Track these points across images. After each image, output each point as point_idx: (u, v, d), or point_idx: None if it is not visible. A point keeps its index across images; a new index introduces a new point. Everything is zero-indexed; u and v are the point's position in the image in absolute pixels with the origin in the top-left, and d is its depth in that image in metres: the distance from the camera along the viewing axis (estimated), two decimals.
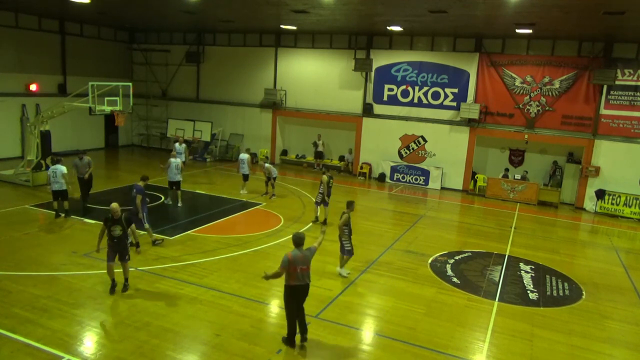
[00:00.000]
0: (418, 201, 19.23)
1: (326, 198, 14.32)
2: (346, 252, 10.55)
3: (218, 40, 25.32)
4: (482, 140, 20.93)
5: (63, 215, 13.36)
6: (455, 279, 10.85)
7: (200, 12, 18.28)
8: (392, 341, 7.96)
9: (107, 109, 16.10)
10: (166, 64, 26.56)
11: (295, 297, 7.45)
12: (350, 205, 10.76)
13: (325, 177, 14.33)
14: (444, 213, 17.77)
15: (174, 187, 15.24)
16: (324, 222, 14.27)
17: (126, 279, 9.22)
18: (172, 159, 15.12)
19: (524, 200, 19.41)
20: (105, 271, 9.03)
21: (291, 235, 7.58)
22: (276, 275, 7.40)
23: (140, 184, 11.62)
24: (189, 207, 15.40)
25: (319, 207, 14.59)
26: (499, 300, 9.91)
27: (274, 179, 17.34)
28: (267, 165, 17.27)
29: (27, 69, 22.10)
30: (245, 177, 17.55)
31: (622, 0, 11.54)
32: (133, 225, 9.33)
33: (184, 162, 16.32)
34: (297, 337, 7.57)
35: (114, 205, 8.94)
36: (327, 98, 23.10)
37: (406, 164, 21.94)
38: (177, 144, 17.66)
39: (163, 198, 15.61)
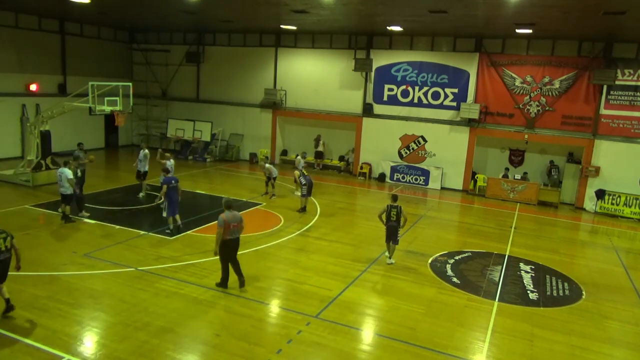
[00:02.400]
0: (418, 201, 19.22)
1: (300, 191, 15.80)
2: (397, 242, 11.50)
3: (218, 40, 25.32)
4: (482, 140, 20.93)
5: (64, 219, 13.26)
6: (455, 279, 10.85)
7: (200, 12, 18.28)
8: (392, 341, 7.96)
9: (107, 109, 16.10)
10: (166, 64, 26.56)
11: (230, 249, 9.33)
12: (395, 198, 11.49)
13: (297, 172, 16.08)
14: (444, 213, 17.77)
15: None
16: (303, 210, 15.64)
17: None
18: (167, 161, 15.00)
19: (524, 200, 19.40)
20: (104, 271, 9.02)
21: (298, 239, 7.62)
22: (219, 237, 9.07)
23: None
24: (189, 207, 15.36)
25: (304, 199, 15.76)
26: (499, 300, 9.91)
27: (274, 179, 17.35)
28: (267, 165, 17.28)
29: (27, 69, 22.10)
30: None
31: (622, 0, 11.54)
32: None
33: (145, 172, 16.21)
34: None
35: None
36: (327, 98, 23.10)
37: (406, 164, 21.94)
38: (140, 151, 16.29)
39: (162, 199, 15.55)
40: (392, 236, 11.32)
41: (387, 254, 11.67)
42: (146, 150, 16.42)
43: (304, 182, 15.53)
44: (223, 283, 9.52)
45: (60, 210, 13.23)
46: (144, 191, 16.35)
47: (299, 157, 18.53)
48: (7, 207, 14.10)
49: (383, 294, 9.87)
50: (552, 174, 20.20)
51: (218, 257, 9.42)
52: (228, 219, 9.13)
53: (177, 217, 12.75)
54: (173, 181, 12.59)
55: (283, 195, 17.76)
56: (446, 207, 18.70)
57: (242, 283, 9.52)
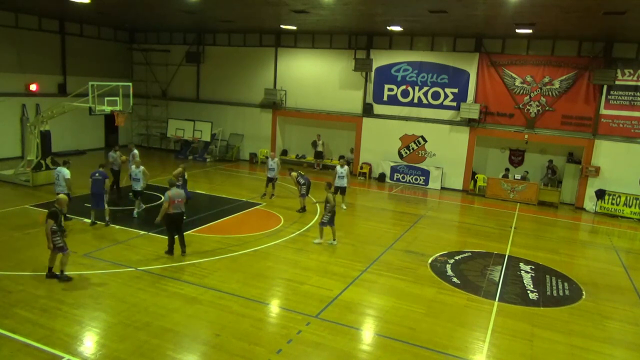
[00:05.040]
0: (418, 201, 19.22)
1: (299, 191, 15.73)
2: (322, 224, 12.60)
3: (218, 40, 25.32)
4: (482, 140, 20.92)
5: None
6: (455, 279, 10.85)
7: (200, 12, 18.28)
8: (392, 341, 7.96)
9: (107, 109, 16.10)
10: (166, 64, 26.56)
11: (173, 222, 10.85)
12: (331, 185, 13.23)
13: (294, 174, 15.86)
14: (444, 213, 17.76)
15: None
16: (303, 210, 15.73)
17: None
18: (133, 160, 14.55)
19: (524, 200, 19.40)
20: (104, 271, 9.03)
21: (298, 239, 7.61)
22: (164, 210, 10.65)
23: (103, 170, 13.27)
24: (189, 207, 15.35)
25: (303, 199, 15.79)
26: (499, 300, 9.91)
27: (275, 179, 17.32)
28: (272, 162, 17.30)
29: (27, 69, 22.10)
30: (342, 190, 16.47)
31: (622, 0, 11.54)
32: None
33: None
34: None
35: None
36: (327, 98, 23.09)
37: (406, 164, 21.94)
38: (130, 152, 16.69)
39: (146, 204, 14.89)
40: (334, 219, 12.63)
41: (319, 240, 12.63)
42: (135, 151, 16.55)
43: (302, 182, 15.57)
44: (169, 251, 11.02)
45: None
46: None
47: (337, 167, 16.44)
48: (7, 207, 14.10)
49: (383, 294, 9.86)
50: (556, 173, 20.17)
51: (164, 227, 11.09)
52: (173, 195, 10.72)
53: (93, 212, 12.97)
54: (97, 174, 12.81)
55: (284, 195, 17.75)
56: (446, 207, 18.69)
57: (183, 252, 11.07)
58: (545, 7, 12.77)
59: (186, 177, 14.55)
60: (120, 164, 16.39)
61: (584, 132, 19.01)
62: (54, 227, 9.18)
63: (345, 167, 16.62)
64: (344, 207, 16.53)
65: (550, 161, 20.31)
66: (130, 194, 14.43)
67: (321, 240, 12.61)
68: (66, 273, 9.41)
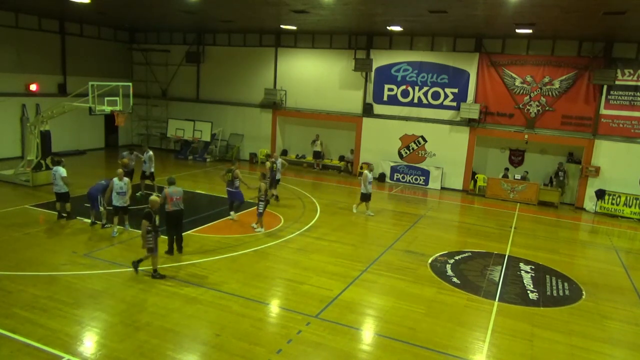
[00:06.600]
0: (418, 201, 19.22)
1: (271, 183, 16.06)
2: (259, 215, 13.25)
3: (218, 40, 25.33)
4: (482, 140, 20.92)
5: (65, 216, 13.31)
6: (455, 279, 10.85)
7: (200, 12, 18.28)
8: (392, 341, 7.96)
9: (107, 109, 16.09)
10: (166, 64, 26.56)
11: (173, 219, 10.99)
12: (264, 176, 13.91)
13: (268, 163, 16.66)
14: (444, 213, 17.76)
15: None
16: (276, 198, 16.57)
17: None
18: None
19: (524, 200, 19.40)
20: (104, 271, 9.03)
21: (298, 239, 7.60)
22: (160, 203, 10.64)
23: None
24: (190, 207, 15.34)
25: (273, 189, 16.47)
26: (499, 300, 9.91)
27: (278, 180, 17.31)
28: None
29: (27, 69, 22.09)
30: (365, 197, 15.78)
31: (622, 0, 11.55)
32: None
33: (152, 173, 16.31)
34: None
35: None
36: (327, 98, 23.09)
37: (406, 164, 21.94)
38: (145, 153, 16.48)
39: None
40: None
41: (261, 229, 13.32)
42: (150, 152, 16.48)
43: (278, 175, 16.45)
44: (169, 250, 11.11)
45: (58, 209, 13.26)
46: (142, 190, 16.45)
47: (365, 172, 15.72)
48: (7, 207, 14.09)
49: (383, 294, 9.86)
50: (559, 175, 20.02)
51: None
52: (170, 193, 10.91)
53: (93, 213, 13.05)
54: (103, 181, 12.93)
55: (283, 195, 17.74)
56: (446, 207, 18.69)
57: (179, 248, 11.25)
58: (545, 7, 12.77)
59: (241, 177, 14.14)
60: (133, 166, 16.05)
61: (584, 132, 19.01)
62: (148, 228, 9.45)
63: (372, 171, 16.23)
64: (371, 213, 15.86)
65: (561, 164, 20.08)
66: (111, 208, 12.56)
67: (263, 229, 13.24)
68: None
